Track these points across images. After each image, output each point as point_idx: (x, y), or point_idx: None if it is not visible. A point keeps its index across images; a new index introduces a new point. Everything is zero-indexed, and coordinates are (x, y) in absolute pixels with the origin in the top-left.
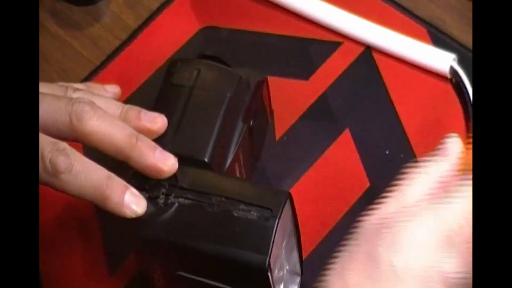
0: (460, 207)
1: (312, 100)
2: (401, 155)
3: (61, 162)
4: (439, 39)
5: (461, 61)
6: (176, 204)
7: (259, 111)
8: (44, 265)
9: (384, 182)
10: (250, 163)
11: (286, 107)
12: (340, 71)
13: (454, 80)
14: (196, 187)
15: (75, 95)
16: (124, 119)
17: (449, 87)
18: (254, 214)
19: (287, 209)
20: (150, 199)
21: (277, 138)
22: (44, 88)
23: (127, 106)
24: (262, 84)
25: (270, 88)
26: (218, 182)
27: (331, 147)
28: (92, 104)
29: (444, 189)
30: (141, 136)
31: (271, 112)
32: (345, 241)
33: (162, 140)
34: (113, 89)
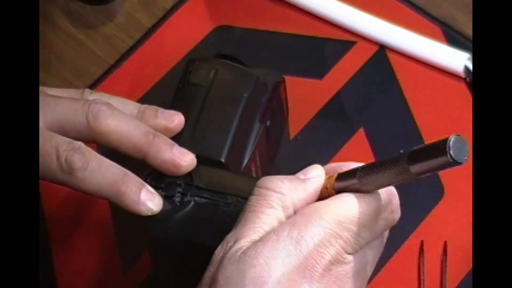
0: (318, 231)
1: (326, 99)
2: None
3: (77, 160)
4: (453, 38)
5: None
6: (192, 203)
7: (276, 111)
8: (59, 264)
9: None
10: (266, 163)
11: (300, 106)
12: (354, 71)
13: (468, 79)
14: (212, 187)
15: (92, 97)
16: (141, 118)
17: (463, 86)
18: None
19: None
20: (166, 198)
21: (291, 137)
22: (61, 92)
23: (144, 105)
24: (280, 85)
25: None
26: (233, 182)
27: (345, 146)
28: (108, 104)
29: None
30: (158, 133)
31: (287, 112)
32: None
33: (179, 140)
34: None
